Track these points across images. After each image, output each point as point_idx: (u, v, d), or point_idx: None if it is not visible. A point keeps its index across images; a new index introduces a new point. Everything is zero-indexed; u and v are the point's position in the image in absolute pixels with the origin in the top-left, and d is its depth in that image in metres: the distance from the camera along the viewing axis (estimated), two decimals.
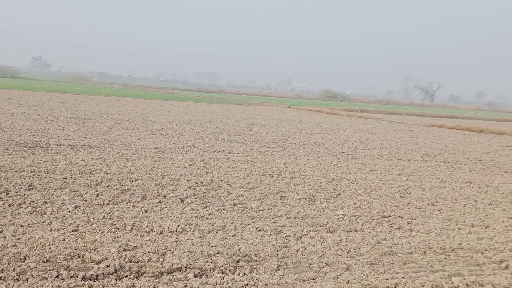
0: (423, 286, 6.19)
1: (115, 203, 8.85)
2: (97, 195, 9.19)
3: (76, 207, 8.36)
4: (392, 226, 8.81)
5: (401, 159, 18.02)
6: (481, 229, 9.20)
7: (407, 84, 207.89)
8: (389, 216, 9.54)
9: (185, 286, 5.64)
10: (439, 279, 6.44)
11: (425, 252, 7.55)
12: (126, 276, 5.82)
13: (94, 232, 7.19)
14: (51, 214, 7.89)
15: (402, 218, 9.48)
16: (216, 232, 7.66)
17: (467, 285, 6.32)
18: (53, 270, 5.75)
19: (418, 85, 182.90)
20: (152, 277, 5.86)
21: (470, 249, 7.89)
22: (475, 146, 25.25)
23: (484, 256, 7.60)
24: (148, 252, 6.53)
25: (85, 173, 10.99)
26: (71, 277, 5.65)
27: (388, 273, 6.54)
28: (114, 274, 5.83)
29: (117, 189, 9.80)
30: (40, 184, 9.65)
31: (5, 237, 6.67)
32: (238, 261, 6.50)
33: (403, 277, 6.41)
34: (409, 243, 7.91)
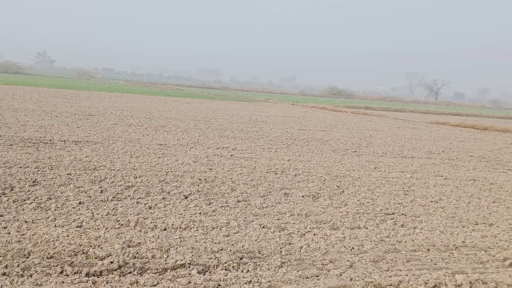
0: (426, 283, 6.18)
1: (119, 199, 8.87)
2: (101, 191, 9.21)
3: (80, 203, 8.38)
4: (395, 224, 8.81)
5: (405, 156, 17.99)
6: (485, 227, 9.19)
7: (411, 81, 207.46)
8: (393, 213, 9.53)
9: (189, 282, 5.65)
10: (442, 276, 6.43)
11: (428, 250, 7.55)
12: (130, 273, 5.84)
13: (98, 228, 7.20)
14: (55, 210, 7.92)
15: (405, 215, 9.47)
16: (220, 229, 7.67)
17: (470, 282, 6.30)
18: (57, 266, 5.77)
19: (423, 82, 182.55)
20: (156, 273, 5.87)
21: (473, 247, 7.88)
22: (479, 144, 25.19)
23: (487, 254, 7.59)
24: (152, 249, 6.54)
25: (89, 169, 11.01)
26: (75, 273, 5.67)
27: (392, 271, 6.54)
28: (118, 270, 5.85)
29: (121, 185, 9.81)
30: (45, 180, 9.68)
31: (9, 233, 6.69)
32: (241, 258, 6.50)
33: (407, 275, 6.41)
34: (412, 240, 7.91)
